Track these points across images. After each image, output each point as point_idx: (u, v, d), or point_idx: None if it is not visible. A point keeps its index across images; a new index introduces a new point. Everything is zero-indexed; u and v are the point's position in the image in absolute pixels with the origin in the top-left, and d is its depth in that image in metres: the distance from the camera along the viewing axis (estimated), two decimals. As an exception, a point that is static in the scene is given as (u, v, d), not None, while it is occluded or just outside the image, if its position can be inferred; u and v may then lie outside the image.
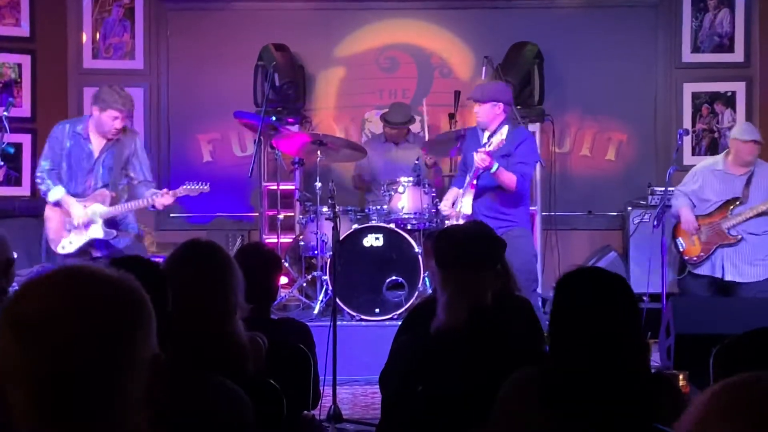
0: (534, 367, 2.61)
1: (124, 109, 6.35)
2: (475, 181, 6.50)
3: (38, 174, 6.47)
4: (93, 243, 6.40)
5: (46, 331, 1.34)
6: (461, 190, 6.71)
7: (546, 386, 2.47)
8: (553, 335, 2.59)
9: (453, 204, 6.75)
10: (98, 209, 6.37)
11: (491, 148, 6.25)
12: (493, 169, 6.32)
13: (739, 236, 7.03)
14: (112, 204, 6.40)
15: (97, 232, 6.37)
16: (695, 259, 7.20)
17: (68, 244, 6.40)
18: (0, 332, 1.36)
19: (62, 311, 1.35)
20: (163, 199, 6.39)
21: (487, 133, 6.69)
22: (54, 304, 1.36)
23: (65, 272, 1.41)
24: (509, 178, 6.41)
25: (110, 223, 6.43)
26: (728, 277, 7.10)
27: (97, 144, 6.43)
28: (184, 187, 6.50)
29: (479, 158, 6.29)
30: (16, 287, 3.76)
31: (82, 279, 1.40)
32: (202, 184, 6.51)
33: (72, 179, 6.42)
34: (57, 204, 6.42)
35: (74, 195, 6.40)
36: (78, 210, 6.35)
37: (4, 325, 1.36)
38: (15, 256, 3.64)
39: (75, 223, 6.35)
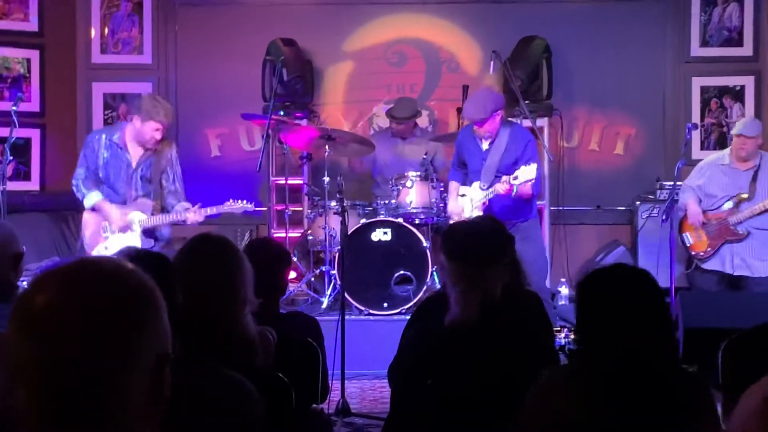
0: (562, 365, 2.62)
1: (166, 121, 6.35)
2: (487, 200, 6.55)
3: (74, 182, 6.53)
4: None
5: (52, 324, 1.34)
6: (465, 188, 6.74)
7: (578, 383, 2.47)
8: (582, 333, 2.59)
9: (456, 210, 6.79)
10: (139, 217, 6.40)
11: (517, 183, 6.28)
12: (513, 194, 6.36)
13: (746, 232, 7.02)
14: (153, 213, 6.42)
15: (135, 240, 6.36)
16: (702, 254, 7.19)
17: (104, 249, 6.41)
18: (10, 324, 1.37)
19: (68, 305, 1.35)
20: (196, 216, 6.40)
21: (486, 143, 6.68)
22: (61, 297, 1.36)
23: (75, 266, 1.41)
24: (527, 190, 6.44)
25: (148, 233, 6.44)
26: (737, 272, 7.10)
27: (135, 153, 6.45)
28: (228, 203, 6.52)
29: (503, 188, 6.34)
30: (25, 282, 3.77)
31: (91, 273, 1.40)
32: (245, 202, 6.52)
33: (111, 189, 6.45)
34: (94, 209, 6.46)
35: (117, 203, 6.44)
36: (116, 214, 6.39)
37: (13, 318, 1.37)
38: (24, 250, 3.65)
39: (113, 228, 6.38)
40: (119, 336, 1.37)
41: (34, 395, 1.35)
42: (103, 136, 6.52)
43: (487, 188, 6.55)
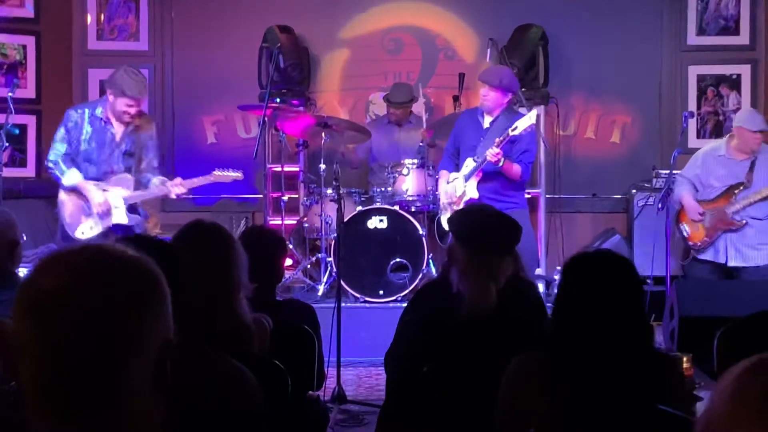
0: (536, 351, 2.62)
1: (138, 97, 6.30)
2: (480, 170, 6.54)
3: (51, 159, 6.34)
4: (111, 228, 6.33)
5: (59, 306, 1.34)
6: (456, 174, 6.74)
7: (552, 368, 2.48)
8: (558, 317, 2.60)
9: (447, 192, 6.79)
10: (121, 194, 6.33)
11: (517, 133, 6.30)
12: (501, 164, 6.37)
13: (743, 221, 7.01)
14: (135, 189, 6.38)
15: (122, 217, 6.31)
16: (699, 244, 7.19)
17: (88, 229, 6.31)
18: (15, 308, 1.37)
19: (76, 286, 1.35)
20: (179, 188, 6.38)
21: (488, 118, 6.71)
22: (68, 279, 1.36)
23: (80, 250, 1.41)
24: (515, 171, 6.47)
25: (131, 208, 6.40)
26: (731, 263, 7.08)
27: (118, 128, 6.36)
28: (215, 173, 6.49)
29: (492, 153, 6.32)
30: (24, 269, 3.77)
31: (98, 256, 1.40)
32: (232, 171, 6.51)
33: (93, 164, 6.34)
34: (72, 189, 6.33)
35: (95, 179, 6.33)
36: (98, 196, 6.27)
37: (19, 301, 1.37)
38: (24, 238, 3.65)
39: (95, 211, 6.28)
40: (127, 318, 1.37)
41: (40, 377, 1.35)
42: (86, 111, 6.39)
43: (480, 160, 6.55)
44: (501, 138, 6.38)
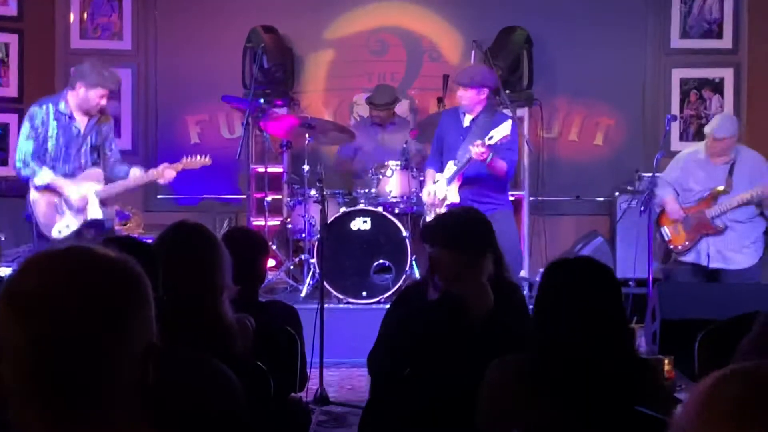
0: (516, 354, 2.63)
1: (114, 87, 6.30)
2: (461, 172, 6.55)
3: (20, 158, 6.21)
4: (86, 223, 6.26)
5: (45, 305, 1.34)
6: (441, 175, 6.74)
7: (531, 373, 2.48)
8: (539, 321, 2.60)
9: (430, 193, 6.79)
10: (94, 188, 6.29)
11: (492, 142, 6.28)
12: (488, 160, 6.37)
13: (724, 226, 7.02)
14: (106, 183, 6.34)
15: (96, 212, 6.26)
16: (680, 248, 7.19)
17: (65, 227, 6.22)
18: None
19: (61, 286, 1.35)
20: (166, 173, 6.35)
21: (468, 117, 6.73)
22: (54, 278, 1.36)
23: (65, 250, 1.41)
24: (501, 167, 6.48)
25: (102, 202, 6.35)
26: (713, 265, 7.08)
27: (82, 122, 6.29)
28: (184, 160, 6.46)
29: (477, 151, 6.32)
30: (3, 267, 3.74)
31: (83, 256, 1.40)
32: (203, 157, 6.48)
33: (61, 160, 6.25)
34: (45, 187, 6.23)
35: (65, 176, 6.26)
36: (74, 192, 6.22)
37: (2, 301, 1.36)
38: (3, 237, 3.63)
39: (75, 206, 6.22)
40: (114, 319, 1.37)
41: (25, 378, 1.34)
42: (50, 107, 6.27)
43: (463, 160, 6.54)
44: (480, 143, 6.38)
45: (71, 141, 6.28)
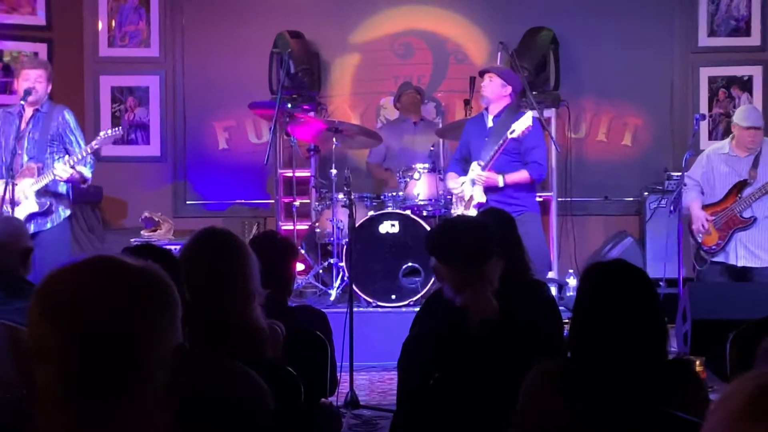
0: (555, 359, 2.62)
1: (33, 66, 6.31)
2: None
3: None
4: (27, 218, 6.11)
5: (77, 305, 1.35)
6: (462, 178, 6.77)
7: (569, 377, 2.48)
8: (576, 326, 2.59)
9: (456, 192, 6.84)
10: (27, 183, 6.16)
11: (515, 135, 6.30)
12: (500, 184, 6.43)
13: (753, 217, 6.98)
14: (39, 175, 6.20)
15: (31, 206, 6.15)
16: (714, 247, 7.12)
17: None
18: (31, 311, 1.38)
19: (94, 287, 1.37)
20: (63, 170, 6.14)
21: (491, 117, 6.73)
22: (86, 279, 1.37)
23: (93, 258, 1.43)
24: (521, 178, 6.51)
25: (40, 193, 6.21)
26: (741, 263, 7.04)
27: (26, 115, 6.25)
28: (101, 134, 6.32)
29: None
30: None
31: (112, 261, 1.42)
32: (115, 130, 6.38)
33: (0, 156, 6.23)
34: None
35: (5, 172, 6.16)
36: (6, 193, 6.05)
37: (36, 304, 1.38)
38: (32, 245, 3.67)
39: (4, 209, 6.01)
40: (146, 319, 1.38)
41: (59, 380, 1.35)
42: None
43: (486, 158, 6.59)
44: (501, 142, 6.39)
45: (10, 136, 6.21)
